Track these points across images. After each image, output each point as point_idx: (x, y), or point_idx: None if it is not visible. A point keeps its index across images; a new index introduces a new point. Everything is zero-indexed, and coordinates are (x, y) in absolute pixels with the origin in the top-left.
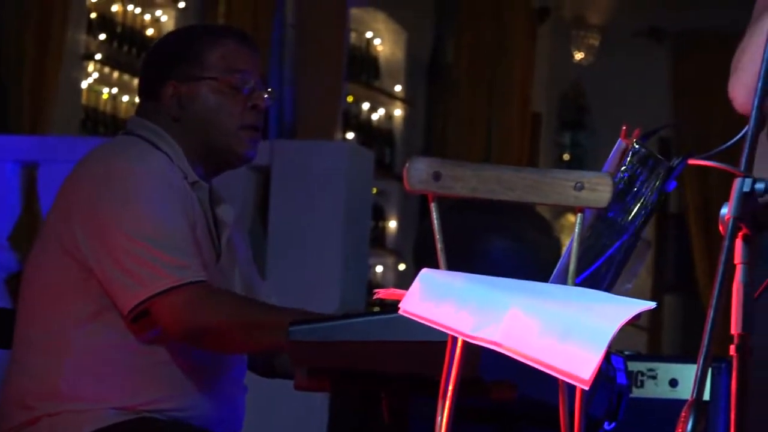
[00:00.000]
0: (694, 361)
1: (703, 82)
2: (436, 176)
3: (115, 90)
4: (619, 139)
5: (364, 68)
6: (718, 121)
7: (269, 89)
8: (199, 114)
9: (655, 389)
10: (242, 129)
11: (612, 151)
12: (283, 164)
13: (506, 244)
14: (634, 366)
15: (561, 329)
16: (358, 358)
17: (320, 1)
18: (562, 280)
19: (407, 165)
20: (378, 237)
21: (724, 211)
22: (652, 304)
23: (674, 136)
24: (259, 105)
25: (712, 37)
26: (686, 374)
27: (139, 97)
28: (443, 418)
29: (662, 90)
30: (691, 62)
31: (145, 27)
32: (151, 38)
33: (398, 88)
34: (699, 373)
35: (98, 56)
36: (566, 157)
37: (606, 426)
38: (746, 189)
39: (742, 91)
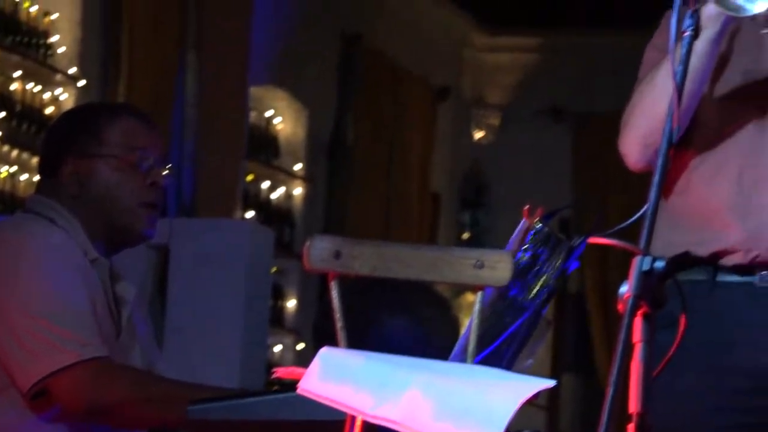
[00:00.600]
0: None
1: (603, 161)
2: (337, 255)
3: (14, 168)
4: (523, 219)
5: (264, 147)
6: (617, 200)
7: (168, 166)
8: (98, 191)
9: None
10: (141, 206)
11: (515, 230)
12: (182, 242)
13: (405, 322)
14: None
15: (459, 409)
16: None
17: (221, 79)
18: (463, 359)
19: (307, 244)
20: (277, 316)
21: (624, 289)
22: (551, 383)
23: (573, 215)
24: (158, 182)
25: (611, 117)
26: None
27: (39, 175)
28: None
29: (562, 169)
30: (591, 142)
31: (44, 105)
32: (50, 116)
33: (298, 166)
34: None
35: None
36: (466, 236)
37: None
38: (645, 267)
39: (632, 148)
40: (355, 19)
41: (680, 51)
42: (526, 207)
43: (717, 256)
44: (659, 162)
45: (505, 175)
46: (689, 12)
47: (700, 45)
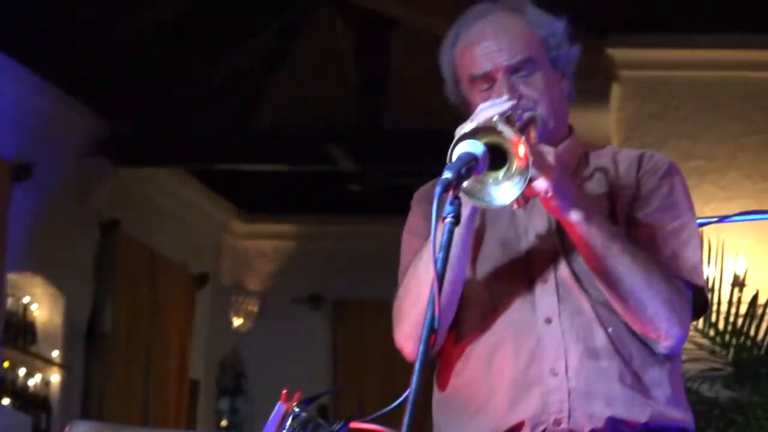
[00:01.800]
0: None
1: (362, 347)
2: None
3: None
4: (279, 403)
5: (21, 333)
6: (375, 385)
7: None
8: None
9: None
10: None
11: (272, 414)
12: None
13: None
14: None
15: None
16: None
17: None
18: None
19: (66, 429)
20: None
21: None
22: None
23: (333, 401)
24: None
25: (368, 304)
26: None
27: None
28: None
29: (322, 355)
30: (350, 328)
31: None
32: None
33: (55, 353)
34: None
35: None
36: (224, 423)
37: None
38: None
39: (407, 342)
40: (113, 206)
41: (441, 237)
42: (284, 391)
43: None
44: (420, 348)
45: (264, 362)
46: (450, 198)
47: (458, 237)
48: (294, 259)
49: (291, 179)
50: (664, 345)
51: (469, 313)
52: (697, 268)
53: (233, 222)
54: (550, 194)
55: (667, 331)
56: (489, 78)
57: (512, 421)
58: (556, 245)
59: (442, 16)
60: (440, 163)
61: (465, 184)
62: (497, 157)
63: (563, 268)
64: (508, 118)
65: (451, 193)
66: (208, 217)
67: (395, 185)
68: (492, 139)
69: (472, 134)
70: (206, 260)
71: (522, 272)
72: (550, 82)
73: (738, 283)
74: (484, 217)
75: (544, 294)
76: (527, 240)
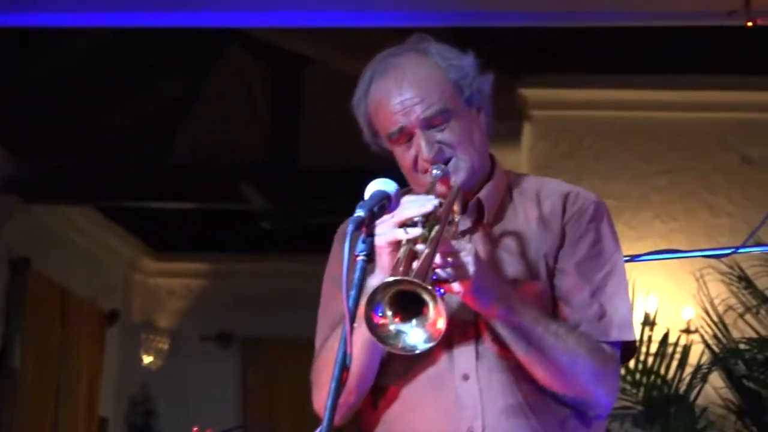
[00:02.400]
0: None
1: (272, 384)
2: None
3: None
4: None
5: None
6: (286, 423)
7: None
8: None
9: None
10: None
11: None
12: None
13: None
14: None
15: None
16: None
17: None
18: None
19: None
20: None
21: None
22: None
23: None
24: None
25: (279, 342)
26: None
27: None
28: None
29: (231, 393)
30: (259, 366)
31: None
32: None
33: None
34: None
35: None
36: None
37: None
38: None
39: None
40: (23, 243)
41: (354, 275)
42: (195, 429)
43: None
44: (332, 386)
45: (174, 400)
46: (362, 237)
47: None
48: (204, 297)
49: (202, 217)
50: (592, 413)
51: (390, 368)
52: (625, 323)
53: (144, 259)
54: (468, 296)
55: (596, 403)
56: (406, 132)
57: None
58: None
59: (355, 55)
60: (353, 202)
61: (380, 331)
62: (413, 302)
63: (483, 325)
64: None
65: (363, 231)
66: (119, 255)
67: (307, 224)
68: (413, 289)
69: (395, 284)
70: (116, 297)
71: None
72: (467, 124)
73: (649, 322)
74: None
75: (463, 350)
76: (450, 298)
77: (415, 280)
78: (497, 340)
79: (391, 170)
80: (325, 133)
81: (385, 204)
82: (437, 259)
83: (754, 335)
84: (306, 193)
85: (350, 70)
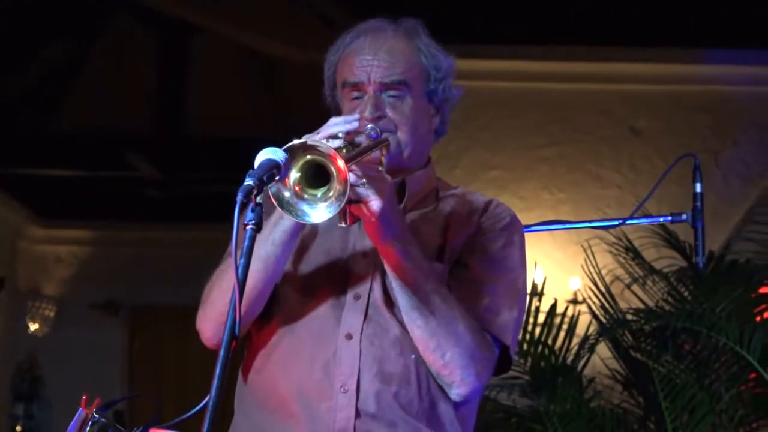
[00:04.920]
0: None
1: (159, 353)
2: None
3: None
4: (80, 409)
5: None
6: (173, 391)
7: None
8: None
9: None
10: None
11: (72, 421)
12: None
13: None
14: None
15: None
16: None
17: None
18: None
19: None
20: None
21: None
22: None
23: (128, 408)
24: None
25: (166, 311)
26: None
27: None
28: None
29: (118, 361)
30: (147, 334)
31: None
32: None
33: None
34: None
35: None
36: (19, 429)
37: None
38: None
39: (208, 325)
40: None
41: (244, 244)
42: (84, 397)
43: None
44: (221, 353)
45: (61, 367)
46: (251, 206)
47: (278, 234)
48: (91, 265)
49: (89, 185)
50: (456, 392)
51: (278, 309)
52: (509, 328)
53: (30, 227)
54: (374, 220)
55: (462, 379)
56: (360, 89)
57: (296, 430)
58: (378, 266)
59: (242, 25)
60: (242, 171)
61: (286, 195)
62: (323, 176)
63: (378, 289)
64: (353, 138)
65: (252, 199)
66: (4, 222)
67: (195, 192)
68: (315, 156)
69: (291, 149)
70: (2, 265)
71: (338, 285)
72: (418, 111)
73: (536, 292)
74: (315, 228)
75: (352, 310)
76: (352, 255)
77: (325, 144)
78: (388, 306)
79: (280, 139)
80: (215, 103)
81: (274, 173)
82: (353, 176)
83: (641, 306)
84: (194, 161)
85: (239, 39)
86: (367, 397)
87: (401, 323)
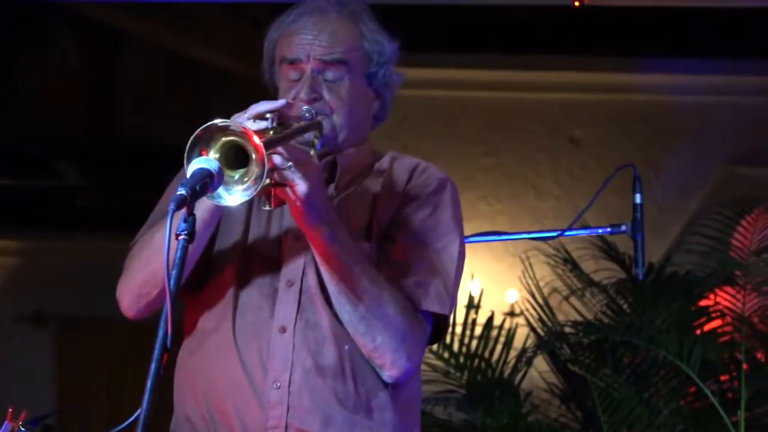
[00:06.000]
0: None
1: (88, 366)
2: None
3: None
4: (6, 422)
5: None
6: (103, 405)
7: None
8: None
9: None
10: None
11: None
12: None
13: None
14: None
15: None
16: None
17: None
18: None
19: None
20: None
21: None
22: None
23: (57, 422)
24: None
25: (95, 322)
26: None
27: None
28: None
29: (46, 373)
30: (75, 347)
31: None
32: None
33: None
34: None
35: None
36: None
37: None
38: None
39: (126, 294)
40: None
41: (175, 254)
42: (10, 410)
43: None
44: (152, 367)
45: None
46: (183, 215)
47: (198, 212)
48: (18, 276)
49: (16, 194)
50: (387, 374)
51: (214, 294)
52: (441, 297)
53: None
54: (299, 204)
55: (393, 361)
56: (298, 67)
57: (229, 426)
58: (310, 251)
59: (177, 32)
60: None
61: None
62: (245, 158)
63: (312, 274)
64: (282, 118)
65: (185, 210)
66: None
67: (126, 201)
68: (231, 137)
69: (209, 129)
70: None
71: (271, 271)
72: (356, 94)
73: (473, 305)
74: (251, 204)
75: (286, 301)
76: (285, 239)
77: (238, 124)
78: (323, 292)
79: None
80: (146, 110)
81: (207, 182)
82: (279, 159)
83: (579, 319)
84: (124, 170)
85: (170, 45)
86: (299, 392)
87: (335, 312)
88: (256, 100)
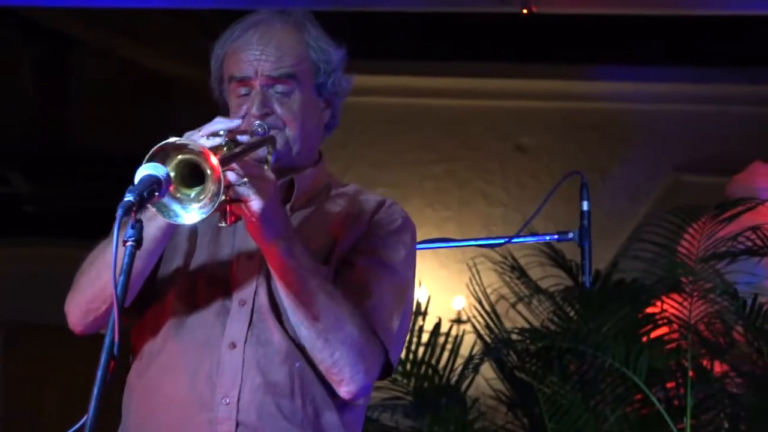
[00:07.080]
0: None
1: (37, 374)
2: None
3: None
4: None
5: None
6: (53, 413)
7: None
8: None
9: None
10: None
11: None
12: None
13: None
14: None
15: None
16: None
17: None
18: None
19: None
20: None
21: None
22: None
23: (3, 429)
24: None
25: (45, 330)
26: None
27: None
28: None
29: None
30: (24, 354)
31: None
32: None
33: None
34: None
35: None
36: None
37: None
38: None
39: (74, 309)
40: None
41: (122, 261)
42: None
43: None
44: (98, 374)
45: None
46: (131, 222)
47: (151, 230)
48: None
49: None
50: (345, 390)
51: (163, 315)
52: (393, 333)
53: None
54: (254, 220)
55: (351, 377)
56: (247, 84)
57: None
58: (264, 268)
59: (126, 35)
60: (122, 187)
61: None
62: (200, 175)
63: (263, 293)
64: (234, 136)
65: (132, 216)
66: None
67: (74, 208)
68: (187, 155)
69: (164, 148)
70: None
71: (223, 290)
72: (307, 106)
73: (420, 311)
74: (195, 225)
75: (237, 318)
76: (237, 257)
77: (195, 143)
78: (274, 311)
79: None
80: (95, 116)
81: (155, 188)
82: (234, 175)
83: (526, 326)
84: (73, 176)
85: (121, 52)
86: (248, 408)
87: (286, 330)
88: (206, 105)
